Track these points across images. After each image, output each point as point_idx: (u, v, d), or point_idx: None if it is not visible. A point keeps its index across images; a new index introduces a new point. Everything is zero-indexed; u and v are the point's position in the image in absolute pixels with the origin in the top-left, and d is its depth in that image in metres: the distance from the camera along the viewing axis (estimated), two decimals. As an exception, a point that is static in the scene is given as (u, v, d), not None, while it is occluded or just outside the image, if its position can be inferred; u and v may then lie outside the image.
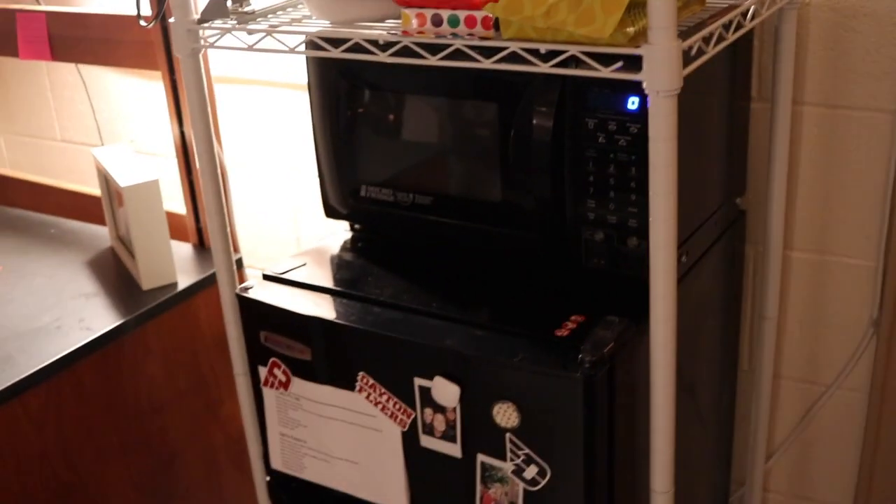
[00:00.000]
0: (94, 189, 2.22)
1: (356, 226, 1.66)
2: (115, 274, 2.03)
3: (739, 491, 1.90)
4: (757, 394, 1.78)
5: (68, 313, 1.87)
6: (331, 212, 1.61)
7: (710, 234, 1.52)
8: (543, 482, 1.30)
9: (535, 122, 1.31)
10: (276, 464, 1.59)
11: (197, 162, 1.52)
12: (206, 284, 1.97)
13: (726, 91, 1.50)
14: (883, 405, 1.72)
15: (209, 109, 1.47)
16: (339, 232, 1.68)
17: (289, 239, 2.21)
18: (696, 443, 1.68)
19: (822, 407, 1.78)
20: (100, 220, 2.20)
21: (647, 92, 1.06)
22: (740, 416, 1.85)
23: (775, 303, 1.70)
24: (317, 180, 1.61)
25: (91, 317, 1.85)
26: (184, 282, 1.96)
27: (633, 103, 1.24)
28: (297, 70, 1.92)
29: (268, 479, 1.64)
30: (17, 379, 1.67)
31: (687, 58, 1.09)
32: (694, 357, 1.57)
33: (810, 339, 1.75)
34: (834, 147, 1.60)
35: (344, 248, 1.64)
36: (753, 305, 1.76)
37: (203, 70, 1.45)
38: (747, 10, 1.28)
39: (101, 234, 2.21)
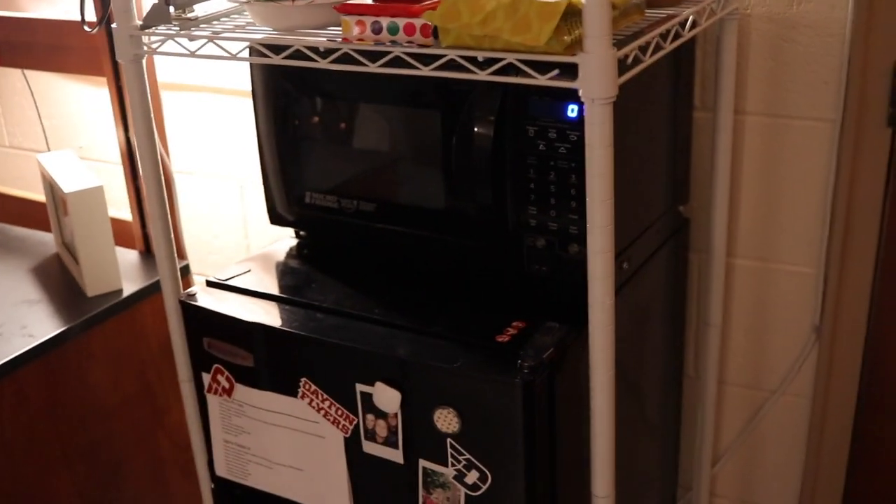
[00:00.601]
0: (40, 195, 2.20)
1: (301, 232, 1.66)
2: (60, 281, 2.01)
3: (686, 496, 1.92)
4: (702, 400, 1.80)
5: (11, 320, 1.85)
6: (276, 218, 1.61)
7: (652, 242, 1.54)
8: (485, 487, 1.31)
9: (476, 129, 1.31)
10: (221, 471, 1.58)
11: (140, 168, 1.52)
12: (152, 291, 1.96)
13: (668, 100, 1.52)
14: (826, 410, 1.74)
15: (152, 115, 1.46)
16: (287, 239, 1.67)
17: (240, 246, 2.20)
18: (641, 448, 1.69)
19: (767, 412, 1.80)
20: (46, 227, 2.18)
21: (582, 99, 1.07)
22: (686, 421, 1.87)
23: (719, 310, 1.72)
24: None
25: (34, 323, 1.83)
26: (129, 288, 1.95)
27: (572, 111, 1.25)
28: (247, 77, 1.91)
29: (212, 485, 1.63)
30: (-44, 386, 1.66)
31: (623, 66, 1.11)
32: (638, 363, 1.58)
33: (754, 345, 1.77)
34: (775, 156, 1.62)
35: (289, 254, 1.63)
36: (698, 312, 1.78)
37: (146, 76, 1.44)
38: (686, 20, 1.29)
39: (46, 241, 2.20)
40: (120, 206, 2.13)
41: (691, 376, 1.83)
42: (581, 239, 1.30)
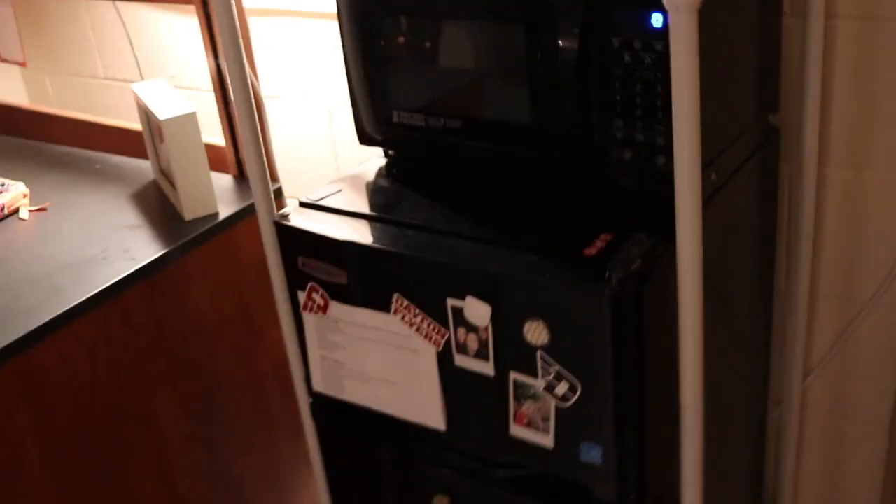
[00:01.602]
0: (136, 124, 2.25)
1: (390, 152, 1.68)
2: (159, 206, 2.07)
3: (777, 409, 1.91)
4: (793, 313, 1.78)
5: (114, 244, 1.91)
6: (364, 138, 1.63)
7: (742, 153, 1.52)
8: (574, 398, 1.33)
9: (560, 43, 1.31)
10: (318, 386, 1.63)
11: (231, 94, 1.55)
12: (247, 214, 2.00)
13: (756, 6, 1.49)
14: (921, 321, 1.72)
15: (241, 41, 1.49)
16: (375, 159, 1.69)
17: (329, 168, 2.23)
18: (731, 361, 1.69)
19: (860, 324, 1.78)
20: (143, 155, 2.24)
21: (667, 8, 1.06)
22: (777, 334, 1.86)
23: (811, 220, 1.69)
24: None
25: (136, 247, 1.89)
26: (225, 212, 1.99)
27: (657, 20, 1.24)
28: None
29: (310, 400, 1.68)
30: (67, 307, 1.72)
31: (709, -27, 1.09)
32: (727, 275, 1.57)
33: (847, 256, 1.74)
34: (869, 60, 1.58)
35: (379, 174, 1.66)
36: (789, 223, 1.76)
37: (233, 2, 1.46)
38: (774, -77, 1.26)
39: (144, 168, 2.25)
40: (213, 133, 2.17)
41: (782, 289, 1.82)
42: (668, 151, 1.29)
